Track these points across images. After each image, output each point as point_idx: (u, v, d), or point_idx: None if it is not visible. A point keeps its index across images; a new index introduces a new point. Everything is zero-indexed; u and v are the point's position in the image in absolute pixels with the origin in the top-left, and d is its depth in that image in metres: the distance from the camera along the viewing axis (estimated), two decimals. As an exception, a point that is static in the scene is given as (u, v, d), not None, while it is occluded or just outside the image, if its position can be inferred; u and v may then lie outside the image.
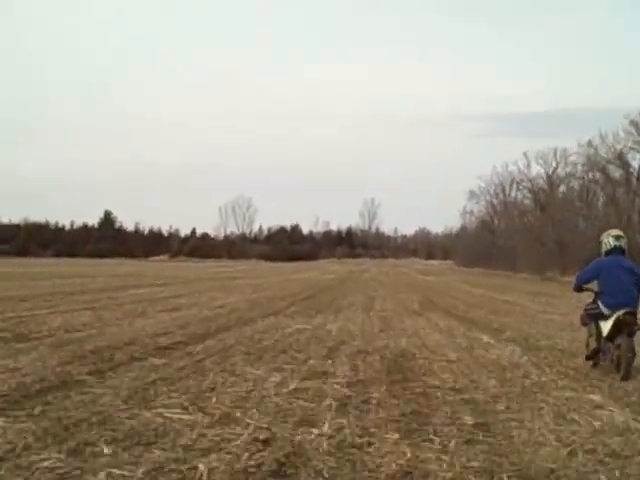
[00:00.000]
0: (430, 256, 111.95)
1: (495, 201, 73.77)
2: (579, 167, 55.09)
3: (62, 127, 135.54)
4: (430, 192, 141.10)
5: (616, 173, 49.10)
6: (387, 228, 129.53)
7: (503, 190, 72.55)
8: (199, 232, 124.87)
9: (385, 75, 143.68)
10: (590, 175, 50.41)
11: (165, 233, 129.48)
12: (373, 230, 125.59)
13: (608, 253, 7.75)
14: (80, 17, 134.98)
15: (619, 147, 46.41)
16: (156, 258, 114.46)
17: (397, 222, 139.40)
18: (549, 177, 66.31)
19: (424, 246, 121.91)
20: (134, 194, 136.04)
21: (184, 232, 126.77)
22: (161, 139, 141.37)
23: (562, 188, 61.78)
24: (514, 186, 71.90)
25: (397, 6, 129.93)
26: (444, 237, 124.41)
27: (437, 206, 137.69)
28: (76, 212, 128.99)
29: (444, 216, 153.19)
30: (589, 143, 48.01)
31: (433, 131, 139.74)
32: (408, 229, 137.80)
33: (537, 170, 67.55)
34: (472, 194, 74.53)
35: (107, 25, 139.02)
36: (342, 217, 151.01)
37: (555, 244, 52.24)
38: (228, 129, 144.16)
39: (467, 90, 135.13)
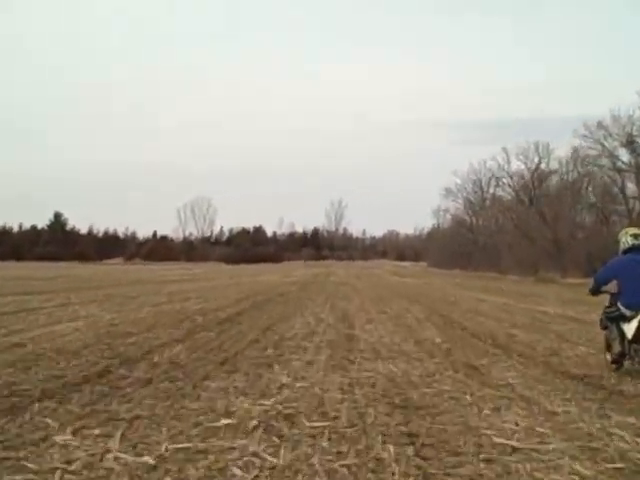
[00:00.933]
0: (400, 258, 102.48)
1: (473, 198, 64.61)
2: (569, 158, 46.31)
3: (11, 127, 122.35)
4: (399, 193, 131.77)
5: (624, 158, 40.21)
6: (355, 229, 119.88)
7: (481, 187, 63.47)
8: (158, 234, 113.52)
9: (360, 77, 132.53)
10: (597, 161, 41.32)
11: (121, 235, 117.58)
12: (340, 231, 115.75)
13: (626, 252, 6.90)
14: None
15: (634, 128, 37.43)
16: (110, 261, 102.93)
17: (365, 223, 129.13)
18: (535, 171, 57.57)
19: (394, 248, 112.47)
20: (89, 196, 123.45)
21: (143, 234, 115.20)
22: (117, 139, 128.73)
23: (552, 181, 52.90)
24: (492, 182, 62.86)
25: (395, 7, 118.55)
26: (414, 238, 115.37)
27: (406, 207, 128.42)
28: (26, 214, 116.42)
29: (414, 217, 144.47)
30: (599, 124, 38.89)
31: (404, 135, 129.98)
32: (376, 230, 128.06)
33: (517, 166, 58.82)
34: (448, 191, 65.23)
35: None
36: (308, 219, 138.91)
37: (550, 242, 43.01)
38: (187, 128, 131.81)
39: (440, 96, 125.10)
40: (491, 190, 63.05)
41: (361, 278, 41.40)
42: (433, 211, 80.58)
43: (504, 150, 59.58)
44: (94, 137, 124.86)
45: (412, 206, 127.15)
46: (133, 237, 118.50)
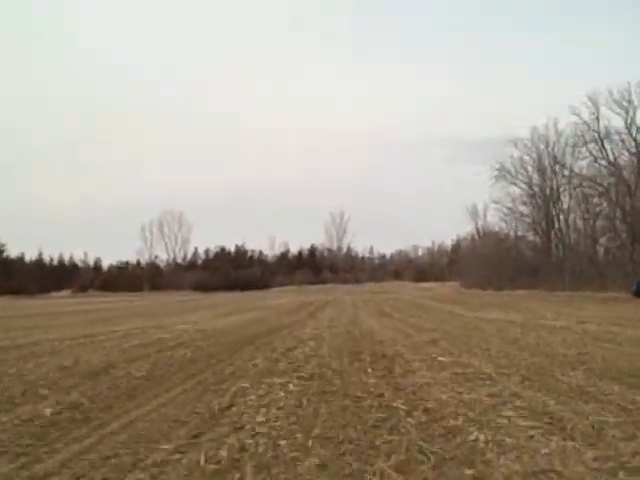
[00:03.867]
0: (419, 278, 79.83)
1: (541, 178, 41.85)
2: None
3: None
4: (407, 207, 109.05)
5: None
6: (360, 248, 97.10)
7: (556, 160, 40.79)
8: (123, 260, 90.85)
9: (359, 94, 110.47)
10: None
11: (80, 263, 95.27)
12: (344, 250, 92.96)
13: None
14: None
15: None
16: (57, 294, 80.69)
17: (372, 241, 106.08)
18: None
19: (409, 267, 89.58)
20: (39, 219, 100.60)
21: (108, 262, 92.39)
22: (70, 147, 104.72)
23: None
24: (567, 151, 40.21)
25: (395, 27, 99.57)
26: (433, 255, 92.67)
27: (419, 222, 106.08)
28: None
29: (428, 232, 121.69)
30: None
31: (406, 152, 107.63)
32: (385, 248, 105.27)
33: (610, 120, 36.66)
34: (501, 172, 42.54)
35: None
36: (305, 238, 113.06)
37: None
38: (157, 134, 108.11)
39: (437, 117, 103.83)
40: (568, 162, 40.40)
41: (388, 315, 18.62)
42: (469, 210, 58.03)
43: (590, 99, 37.26)
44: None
45: (425, 220, 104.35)
46: (97, 265, 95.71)
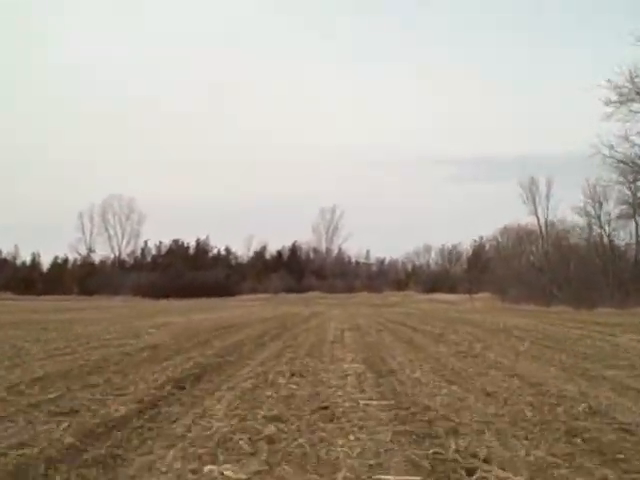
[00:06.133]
0: (430, 289, 61.94)
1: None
2: None
3: None
4: (411, 209, 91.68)
5: None
6: (353, 251, 78.80)
7: None
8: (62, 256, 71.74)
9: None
10: None
11: (9, 258, 76.49)
12: (334, 252, 74.81)
13: None
14: None
15: None
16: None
17: (368, 244, 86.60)
18: None
19: (418, 275, 71.29)
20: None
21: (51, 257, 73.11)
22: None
23: None
24: None
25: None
26: (445, 260, 74.78)
27: (425, 219, 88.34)
28: None
29: (433, 234, 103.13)
30: None
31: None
32: (384, 253, 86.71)
33: None
34: (629, 92, 24.84)
35: None
36: (290, 238, 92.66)
37: None
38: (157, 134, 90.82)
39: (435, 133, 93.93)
40: None
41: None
42: (523, 186, 40.04)
43: None
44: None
45: (432, 222, 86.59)
46: (34, 262, 76.48)
